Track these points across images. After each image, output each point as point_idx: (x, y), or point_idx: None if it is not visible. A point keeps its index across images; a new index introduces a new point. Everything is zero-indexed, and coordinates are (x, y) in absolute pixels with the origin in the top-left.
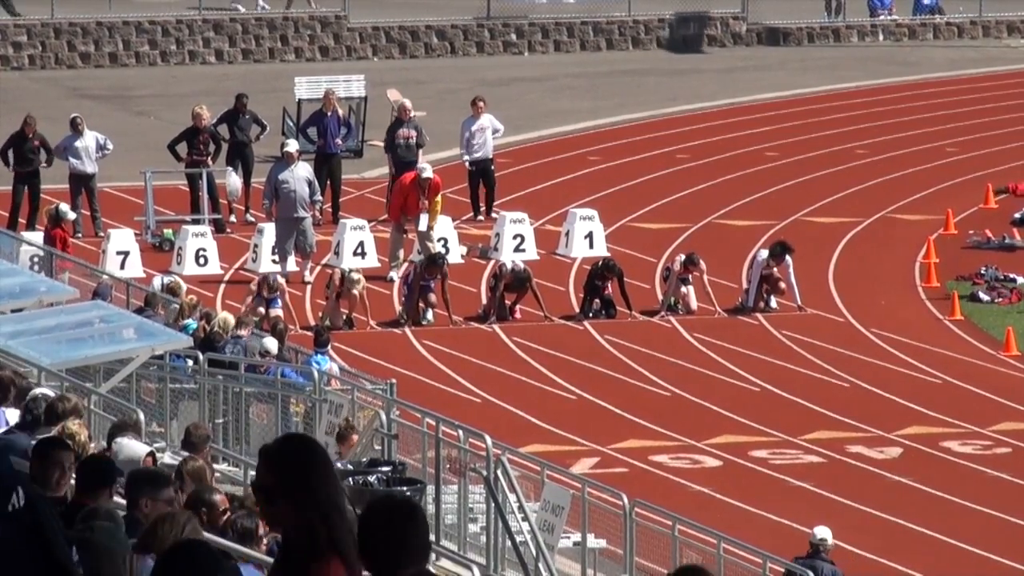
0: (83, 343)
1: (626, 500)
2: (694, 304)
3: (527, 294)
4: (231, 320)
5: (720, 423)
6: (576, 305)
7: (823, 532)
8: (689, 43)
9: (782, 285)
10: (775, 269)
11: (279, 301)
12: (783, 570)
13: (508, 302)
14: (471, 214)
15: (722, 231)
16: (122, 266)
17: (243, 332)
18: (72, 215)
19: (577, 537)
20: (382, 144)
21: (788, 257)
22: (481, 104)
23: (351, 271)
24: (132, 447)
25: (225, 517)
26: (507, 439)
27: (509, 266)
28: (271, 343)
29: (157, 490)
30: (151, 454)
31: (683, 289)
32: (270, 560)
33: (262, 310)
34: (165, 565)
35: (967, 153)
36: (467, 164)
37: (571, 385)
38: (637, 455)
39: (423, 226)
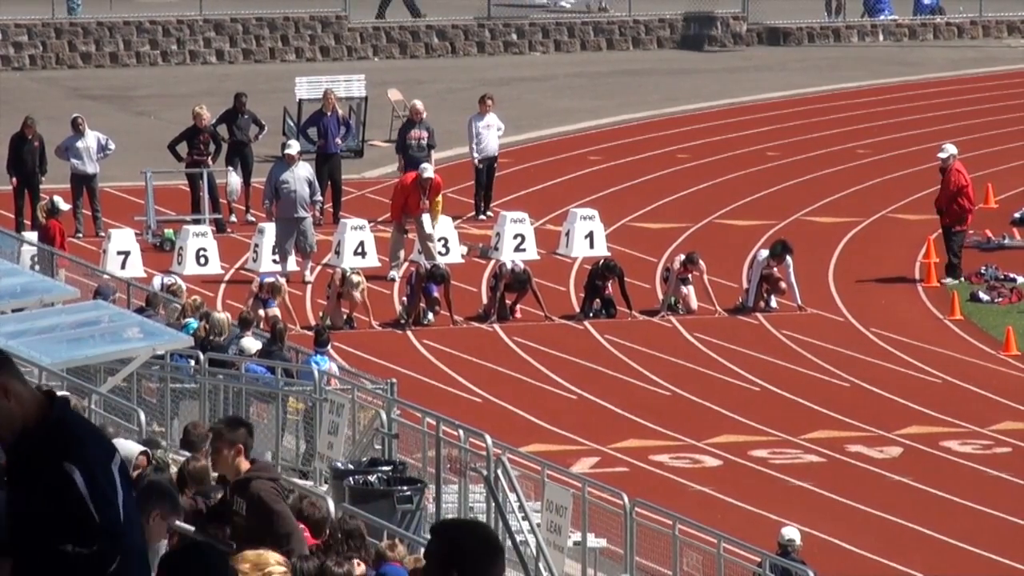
0: (84, 343)
1: (626, 500)
2: (694, 304)
3: (527, 294)
4: (226, 320)
5: (720, 423)
6: (576, 305)
7: (791, 533)
8: (690, 43)
9: (782, 285)
10: (775, 269)
11: (273, 302)
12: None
13: (508, 302)
14: (473, 213)
15: (722, 231)
16: (123, 266)
17: (247, 332)
18: (66, 206)
19: (577, 537)
20: (383, 144)
21: (788, 257)
22: (489, 102)
23: (352, 272)
24: (124, 447)
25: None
26: (507, 439)
27: (509, 266)
28: (247, 342)
29: (173, 510)
30: (144, 453)
31: (683, 289)
32: None
33: (262, 312)
34: (173, 567)
35: (967, 153)
36: (476, 161)
37: (571, 385)
38: (637, 455)
39: (428, 228)
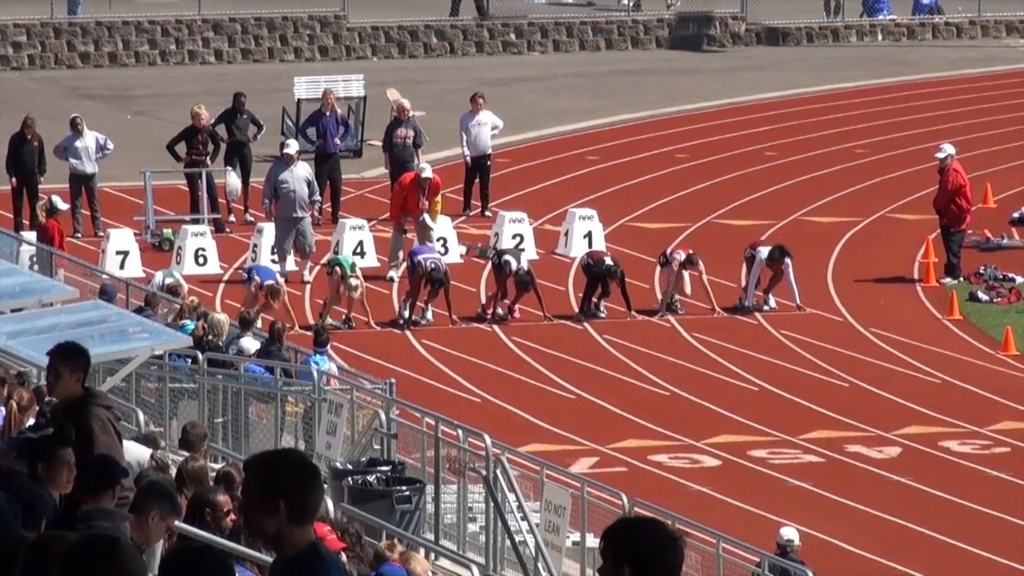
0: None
1: (625, 500)
2: (688, 289)
3: (529, 294)
4: (225, 322)
5: (719, 423)
6: (576, 305)
7: (790, 533)
8: (688, 43)
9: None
10: (773, 269)
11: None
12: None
13: (508, 301)
14: (463, 209)
15: (722, 231)
16: (122, 266)
17: (247, 332)
18: (64, 206)
19: (577, 537)
20: (381, 144)
21: (787, 259)
22: (480, 100)
23: (351, 275)
24: (134, 451)
25: (229, 518)
26: (506, 439)
27: (514, 266)
28: (247, 342)
29: (172, 511)
30: (153, 456)
31: (684, 276)
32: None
33: (252, 288)
34: (172, 571)
35: (966, 153)
36: (467, 159)
37: (570, 385)
38: (636, 455)
39: (429, 226)
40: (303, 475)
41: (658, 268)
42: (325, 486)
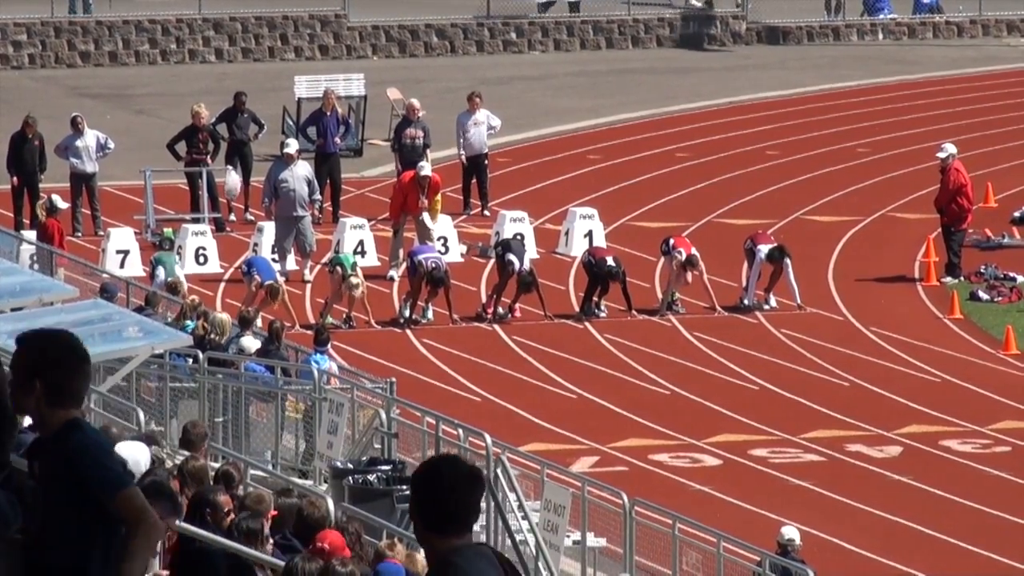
0: (83, 342)
1: (626, 499)
2: (690, 278)
3: (530, 294)
4: (227, 321)
5: (720, 422)
6: (576, 304)
7: (791, 532)
8: (689, 42)
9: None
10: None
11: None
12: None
13: (508, 300)
14: (463, 208)
15: (722, 230)
16: (122, 265)
17: (247, 331)
18: (64, 205)
19: (577, 536)
20: (383, 143)
21: (787, 259)
22: (477, 100)
23: (352, 273)
24: (136, 453)
25: (230, 518)
26: (507, 438)
27: (516, 266)
28: (247, 341)
29: (173, 511)
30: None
31: (685, 275)
32: (276, 561)
33: (253, 287)
34: None
35: (966, 152)
36: (462, 159)
37: (571, 384)
38: (637, 454)
39: (429, 225)
40: (65, 358)
41: (661, 259)
42: (325, 485)
